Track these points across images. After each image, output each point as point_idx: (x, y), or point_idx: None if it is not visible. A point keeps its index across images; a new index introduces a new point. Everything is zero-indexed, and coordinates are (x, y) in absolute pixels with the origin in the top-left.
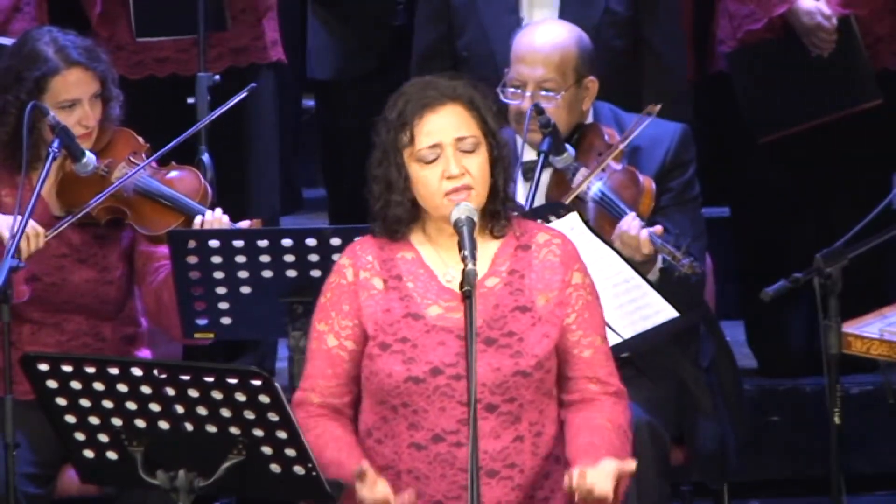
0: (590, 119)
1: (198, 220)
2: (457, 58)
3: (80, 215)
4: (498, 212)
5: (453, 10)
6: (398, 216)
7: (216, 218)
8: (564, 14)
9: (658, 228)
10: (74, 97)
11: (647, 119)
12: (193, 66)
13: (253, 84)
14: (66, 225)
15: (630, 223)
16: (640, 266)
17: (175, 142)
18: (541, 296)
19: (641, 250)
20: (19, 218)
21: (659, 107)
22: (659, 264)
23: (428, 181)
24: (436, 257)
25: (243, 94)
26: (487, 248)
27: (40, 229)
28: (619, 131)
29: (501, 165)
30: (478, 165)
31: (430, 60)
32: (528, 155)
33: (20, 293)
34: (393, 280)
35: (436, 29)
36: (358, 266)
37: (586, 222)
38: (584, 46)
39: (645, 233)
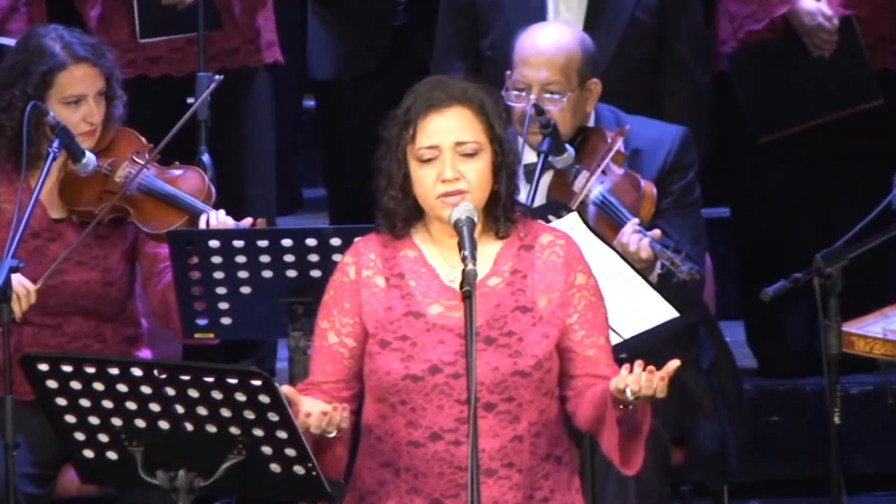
0: (591, 121)
1: (203, 219)
2: (480, 56)
3: (87, 231)
4: (499, 216)
5: (478, 9)
6: (394, 210)
7: (220, 221)
8: (590, 21)
9: (656, 233)
10: (80, 93)
11: (611, 154)
12: (186, 66)
13: (220, 77)
14: (54, 268)
15: (630, 236)
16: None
17: (169, 135)
18: (543, 296)
19: (640, 255)
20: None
21: (628, 127)
22: (658, 270)
23: (424, 181)
24: (438, 256)
25: (214, 85)
26: (490, 248)
27: (30, 285)
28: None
29: (506, 172)
30: (476, 171)
31: (450, 56)
32: (529, 157)
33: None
34: (395, 278)
35: (459, 27)
36: (360, 264)
37: (586, 222)
38: (587, 49)
39: (645, 242)
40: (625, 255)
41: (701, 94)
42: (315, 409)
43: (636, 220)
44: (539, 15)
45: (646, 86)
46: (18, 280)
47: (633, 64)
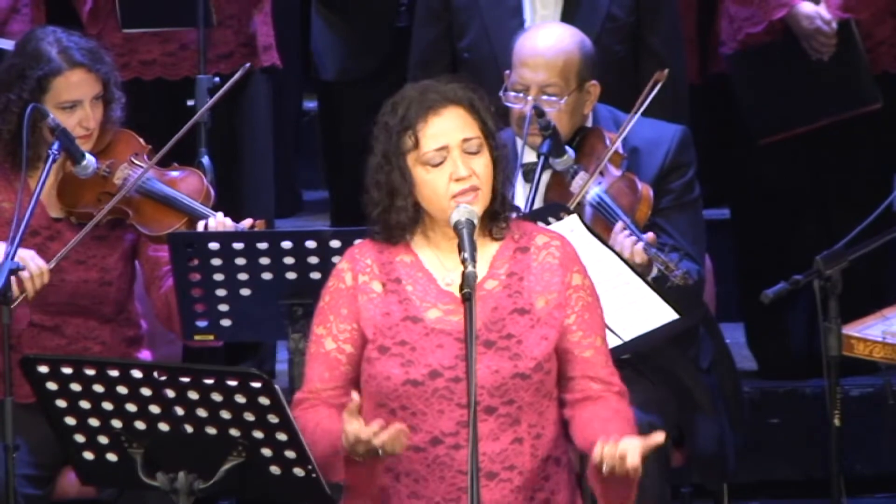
0: (589, 122)
1: (201, 224)
2: (457, 59)
3: (88, 228)
4: (497, 213)
5: (454, 11)
6: (401, 222)
7: (220, 222)
8: (566, 18)
9: (650, 236)
10: (76, 98)
11: (638, 113)
12: (180, 69)
13: (248, 64)
14: (66, 251)
15: (622, 242)
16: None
17: (174, 140)
18: (540, 298)
19: (635, 260)
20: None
21: (666, 71)
22: (653, 274)
23: (435, 184)
24: (435, 261)
25: (239, 75)
26: (486, 251)
27: (43, 265)
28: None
29: (501, 167)
30: (483, 166)
31: (428, 61)
32: (529, 156)
33: (22, 316)
34: (392, 283)
35: (434, 30)
36: (357, 270)
37: (586, 224)
38: (586, 51)
39: (639, 246)
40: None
41: (678, 89)
42: (392, 429)
43: (621, 224)
44: (516, 14)
45: (626, 82)
46: (32, 258)
47: (611, 60)
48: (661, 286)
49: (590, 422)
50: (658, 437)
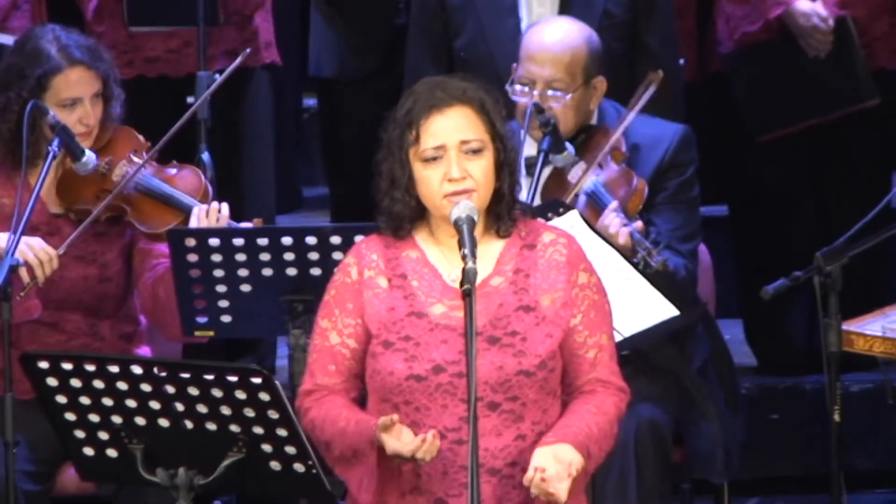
0: (595, 118)
1: (195, 209)
2: (453, 59)
3: (88, 221)
4: (502, 214)
5: (450, 11)
6: (400, 213)
7: (213, 208)
8: (563, 15)
9: (639, 224)
10: (76, 96)
11: (647, 95)
12: (184, 66)
13: (248, 49)
14: (74, 238)
15: (612, 220)
16: None
17: (168, 135)
18: (545, 296)
19: (618, 241)
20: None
21: (660, 73)
22: (636, 259)
23: (430, 181)
24: (440, 256)
25: (239, 60)
26: (493, 248)
27: (52, 251)
28: (624, 132)
29: (507, 169)
30: (481, 169)
31: (422, 59)
32: (530, 150)
33: (33, 307)
34: (397, 279)
35: (430, 28)
36: (363, 265)
37: (586, 221)
38: (594, 46)
39: (625, 229)
40: (608, 240)
41: (673, 90)
42: (428, 436)
43: (616, 203)
44: (512, 13)
45: (622, 79)
46: (41, 245)
47: (609, 58)
48: (658, 282)
49: (564, 414)
50: (579, 465)
